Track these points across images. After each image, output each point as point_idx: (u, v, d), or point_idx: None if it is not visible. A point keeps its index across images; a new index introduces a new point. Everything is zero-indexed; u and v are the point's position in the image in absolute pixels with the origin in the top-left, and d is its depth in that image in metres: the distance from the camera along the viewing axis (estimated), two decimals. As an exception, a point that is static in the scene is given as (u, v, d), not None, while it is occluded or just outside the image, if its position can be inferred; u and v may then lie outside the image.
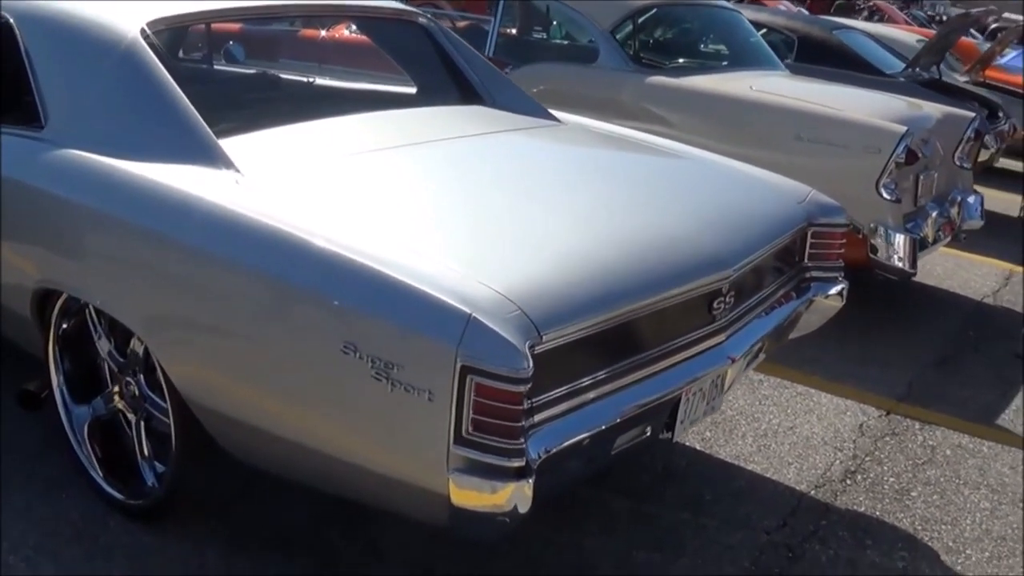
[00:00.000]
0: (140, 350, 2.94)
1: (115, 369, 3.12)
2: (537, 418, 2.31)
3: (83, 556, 2.96)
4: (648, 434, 2.82)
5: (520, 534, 3.09)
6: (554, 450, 2.33)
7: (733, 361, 3.02)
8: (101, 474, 3.18)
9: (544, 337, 2.25)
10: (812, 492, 3.76)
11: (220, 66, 4.73)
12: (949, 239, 5.85)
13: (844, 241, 3.72)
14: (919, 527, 3.61)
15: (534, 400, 2.27)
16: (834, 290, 3.66)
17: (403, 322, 2.23)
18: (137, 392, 3.04)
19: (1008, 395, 4.92)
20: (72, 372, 3.24)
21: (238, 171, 2.79)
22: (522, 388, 2.16)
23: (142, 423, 3.07)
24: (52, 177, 2.98)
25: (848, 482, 3.87)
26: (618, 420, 2.58)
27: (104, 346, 3.11)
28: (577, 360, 2.46)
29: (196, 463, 2.95)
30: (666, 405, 2.80)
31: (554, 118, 4.00)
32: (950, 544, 3.53)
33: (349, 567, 3.02)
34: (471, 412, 2.16)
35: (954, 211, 5.88)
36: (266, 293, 2.48)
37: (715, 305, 2.92)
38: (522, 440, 2.21)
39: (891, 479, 3.93)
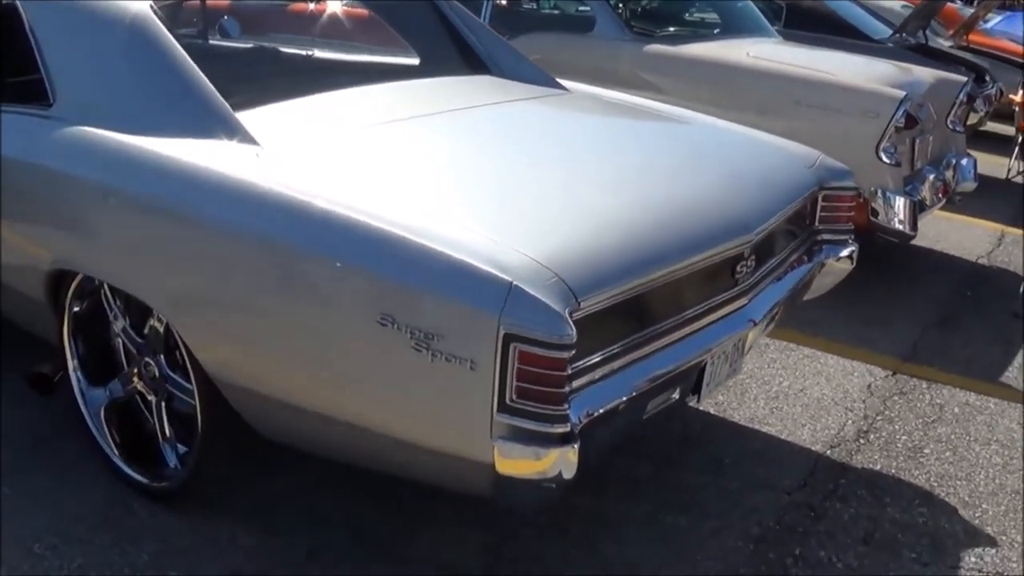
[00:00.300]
0: (161, 329, 2.93)
1: (132, 350, 3.10)
2: (576, 384, 2.31)
3: (111, 542, 2.92)
4: (676, 398, 2.84)
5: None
6: (594, 415, 2.34)
7: (755, 324, 3.04)
8: (122, 458, 3.16)
9: (581, 303, 2.26)
10: (828, 452, 3.80)
11: (216, 41, 4.69)
12: (944, 201, 5.89)
13: (853, 204, 3.75)
14: (935, 483, 3.65)
15: (574, 366, 2.27)
16: (845, 252, 3.68)
17: (443, 292, 2.23)
18: (157, 373, 3.02)
19: (1010, 353, 4.97)
20: (87, 354, 3.22)
21: (258, 144, 2.77)
22: (566, 354, 2.16)
23: (163, 404, 3.06)
24: (65, 156, 2.94)
25: (862, 441, 3.91)
26: (651, 384, 2.60)
27: (120, 327, 3.10)
28: (611, 326, 2.47)
29: (222, 442, 2.94)
30: (694, 369, 2.82)
31: (561, 86, 3.99)
32: (966, 499, 3.58)
33: (381, 541, 3.03)
34: (515, 380, 2.17)
35: (949, 174, 5.92)
36: (298, 267, 2.47)
37: (738, 269, 2.93)
38: (566, 406, 2.22)
39: (903, 437, 3.97)
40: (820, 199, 3.59)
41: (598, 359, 2.42)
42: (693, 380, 2.88)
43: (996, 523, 3.44)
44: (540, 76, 4.03)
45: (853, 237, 3.73)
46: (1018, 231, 7.21)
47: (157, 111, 2.89)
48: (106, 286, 3.04)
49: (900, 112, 4.97)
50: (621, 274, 2.43)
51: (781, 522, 3.31)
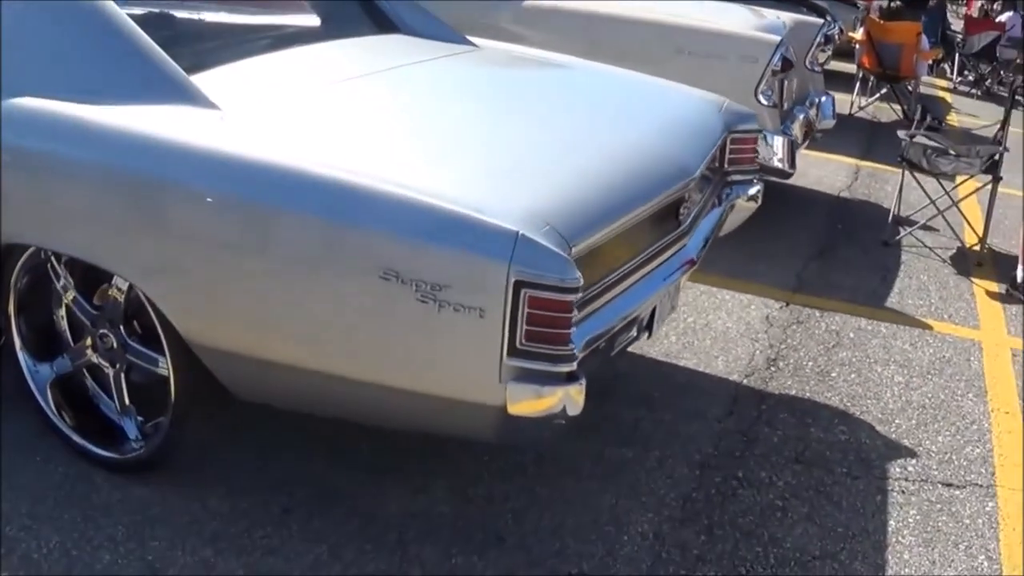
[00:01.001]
0: (121, 298, 2.89)
1: (86, 321, 3.04)
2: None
3: (83, 517, 2.86)
4: (635, 334, 3.00)
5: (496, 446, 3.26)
6: (586, 353, 2.47)
7: (695, 263, 3.21)
8: (80, 435, 3.10)
9: (572, 249, 2.37)
10: (744, 381, 4.04)
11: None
12: (809, 139, 6.23)
13: (756, 145, 3.96)
14: (848, 403, 3.94)
15: (575, 307, 2.38)
16: (752, 191, 3.89)
17: (450, 245, 2.30)
18: (115, 343, 2.98)
19: (887, 279, 5.34)
20: (31, 331, 3.15)
21: (217, 108, 2.75)
22: (573, 297, 2.28)
23: (121, 375, 3.02)
24: (15, 129, 2.79)
25: (773, 369, 4.17)
26: (623, 322, 2.74)
27: (71, 299, 3.03)
28: (588, 270, 2.59)
29: (195, 409, 2.94)
30: (649, 306, 2.98)
31: (471, 43, 4.06)
32: (879, 416, 3.87)
33: (351, 496, 3.08)
34: (525, 324, 2.27)
35: (812, 112, 6.24)
36: (292, 230, 2.48)
37: (681, 211, 3.10)
38: (571, 345, 2.34)
39: (809, 363, 4.25)
40: (728, 141, 3.78)
41: (583, 299, 2.54)
42: (647, 317, 3.04)
43: (911, 436, 3.74)
44: (448, 33, 4.08)
45: (758, 177, 3.95)
46: (870, 164, 7.66)
47: (110, 78, 2.82)
48: (53, 260, 2.97)
49: (777, 56, 5.23)
50: (599, 220, 2.56)
51: (719, 448, 3.52)
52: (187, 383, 2.83)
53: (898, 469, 3.52)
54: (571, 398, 2.36)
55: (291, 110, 2.89)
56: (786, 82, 5.76)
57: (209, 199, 2.55)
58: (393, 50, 3.78)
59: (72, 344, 3.12)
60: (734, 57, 5.29)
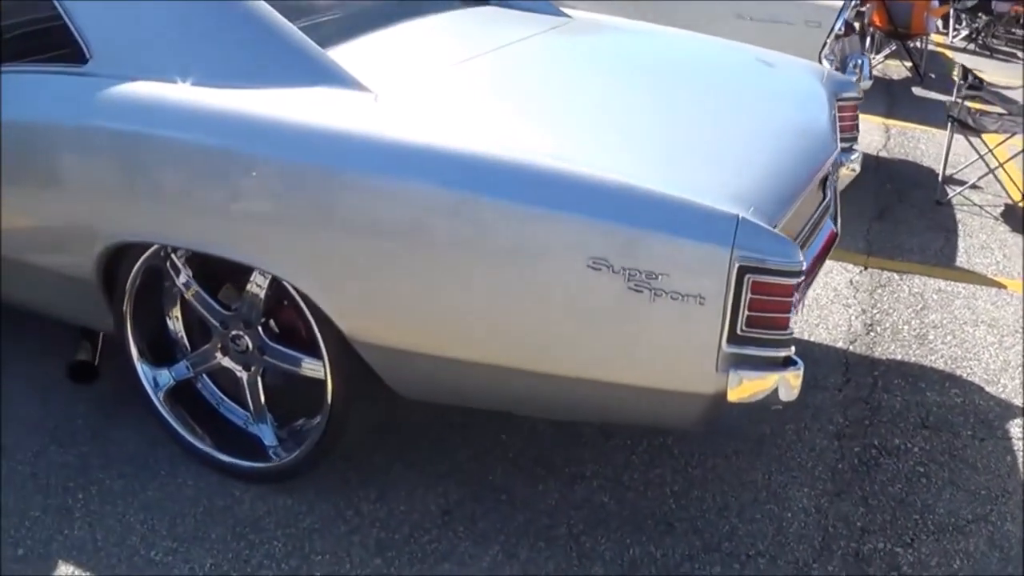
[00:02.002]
0: (261, 297, 2.76)
1: (214, 323, 2.91)
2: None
3: (232, 534, 2.77)
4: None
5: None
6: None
7: (837, 236, 3.21)
8: (214, 446, 3.00)
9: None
10: (850, 348, 4.06)
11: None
12: (855, 100, 6.23)
13: (857, 112, 3.95)
14: (952, 366, 3.97)
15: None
16: (854, 157, 3.88)
17: (667, 232, 2.26)
18: (251, 345, 2.87)
19: (950, 240, 5.37)
20: (144, 335, 3.03)
21: (369, 90, 2.63)
22: (796, 280, 2.26)
23: (257, 379, 2.92)
24: (142, 116, 2.65)
25: (872, 334, 4.19)
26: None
27: (195, 299, 2.91)
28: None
29: (352, 411, 2.81)
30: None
31: (560, 11, 4.00)
32: (985, 377, 3.91)
33: (504, 492, 3.04)
34: (746, 310, 2.25)
35: (856, 73, 6.25)
36: (483, 219, 2.38)
37: (826, 185, 3.09)
38: (790, 329, 2.33)
39: (904, 327, 4.27)
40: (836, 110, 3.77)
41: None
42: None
43: (1019, 395, 3.78)
44: (540, 3, 4.02)
45: (856, 143, 3.95)
46: (898, 122, 7.69)
47: (246, 60, 2.68)
48: (173, 256, 2.85)
49: (840, 20, 5.22)
50: (787, 199, 2.54)
51: (847, 417, 3.55)
52: (345, 384, 2.73)
53: (1018, 429, 3.56)
54: (787, 382, 2.35)
55: (440, 91, 2.79)
56: (842, 45, 5.76)
57: (381, 187, 2.44)
58: (498, 23, 3.70)
59: (189, 348, 3.04)
60: (799, 22, 5.27)
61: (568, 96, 2.97)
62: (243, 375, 2.94)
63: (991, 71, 9.30)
